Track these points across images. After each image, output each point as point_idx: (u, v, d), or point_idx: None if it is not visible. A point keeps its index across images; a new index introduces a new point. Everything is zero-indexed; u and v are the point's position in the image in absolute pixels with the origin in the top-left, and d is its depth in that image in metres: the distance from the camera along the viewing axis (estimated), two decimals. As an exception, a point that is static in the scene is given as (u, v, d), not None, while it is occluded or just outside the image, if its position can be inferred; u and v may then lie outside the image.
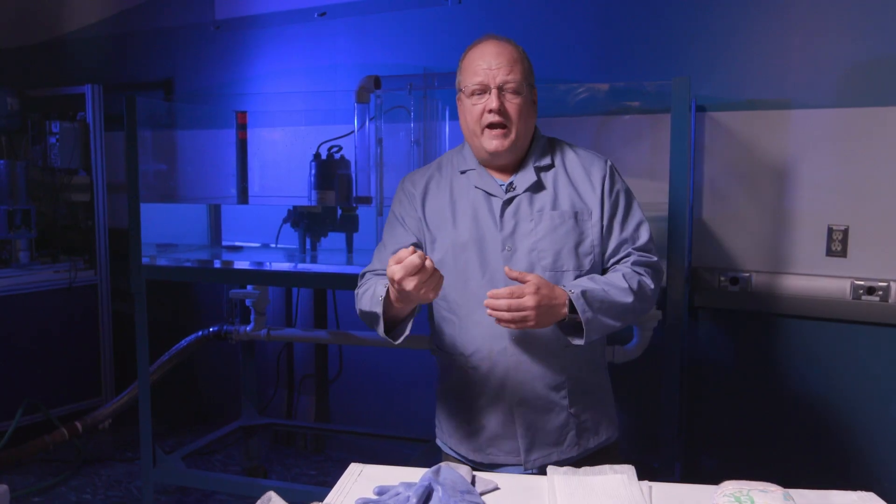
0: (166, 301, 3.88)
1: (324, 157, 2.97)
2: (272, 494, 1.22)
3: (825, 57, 2.58)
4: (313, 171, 2.95)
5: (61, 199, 3.99)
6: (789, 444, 2.73)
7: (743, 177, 2.72)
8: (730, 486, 1.23)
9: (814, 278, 2.63)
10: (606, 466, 1.35)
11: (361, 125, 2.81)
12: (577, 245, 1.63)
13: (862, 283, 2.56)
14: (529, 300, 1.48)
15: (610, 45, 2.90)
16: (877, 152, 2.53)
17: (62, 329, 3.90)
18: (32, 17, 4.39)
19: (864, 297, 2.56)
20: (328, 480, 3.30)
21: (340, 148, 2.98)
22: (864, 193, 2.55)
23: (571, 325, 1.56)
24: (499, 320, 1.50)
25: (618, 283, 1.59)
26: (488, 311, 1.50)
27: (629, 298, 1.58)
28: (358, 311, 1.66)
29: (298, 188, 3.13)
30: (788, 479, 1.23)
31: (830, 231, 2.60)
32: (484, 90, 1.62)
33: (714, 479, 1.31)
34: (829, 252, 2.61)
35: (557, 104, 2.82)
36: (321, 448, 3.73)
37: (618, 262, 1.67)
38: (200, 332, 3.37)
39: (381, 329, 1.56)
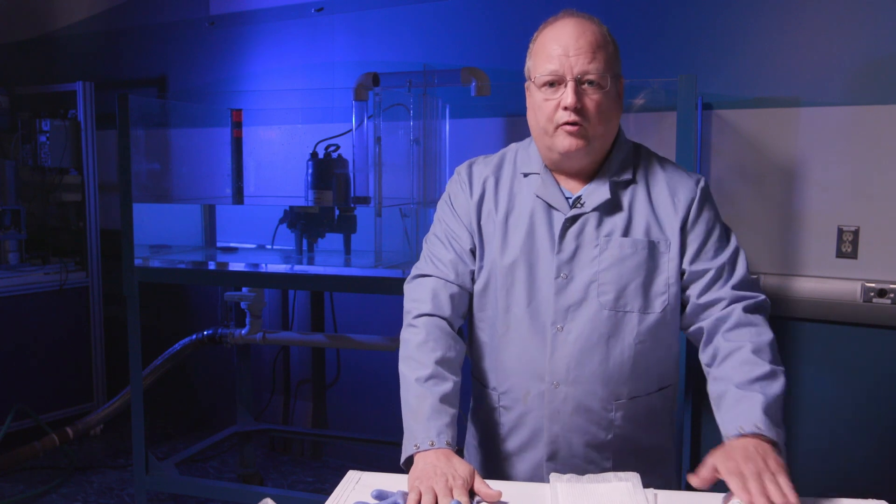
0: (159, 304, 3.84)
1: (321, 156, 2.94)
2: (269, 502, 1.22)
3: (835, 53, 2.53)
4: (310, 171, 2.92)
5: (52, 200, 3.94)
6: (798, 450, 2.68)
7: (750, 176, 2.68)
8: (738, 495, 1.20)
9: (823, 280, 2.59)
10: (611, 474, 1.31)
11: (359, 123, 2.79)
12: (648, 283, 1.38)
13: (873, 285, 2.51)
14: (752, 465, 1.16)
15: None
16: (888, 151, 2.48)
17: (52, 332, 3.85)
18: (22, 12, 4.35)
19: (875, 300, 2.51)
20: (325, 488, 3.27)
21: (338, 147, 2.95)
22: (875, 193, 2.51)
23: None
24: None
25: (760, 373, 1.28)
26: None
27: (781, 379, 1.29)
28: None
29: (295, 188, 3.11)
30: (797, 487, 1.19)
31: (840, 232, 2.56)
32: (558, 81, 1.34)
33: (721, 487, 1.26)
34: (840, 253, 2.57)
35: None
36: (318, 454, 3.70)
37: (712, 305, 1.39)
38: (194, 336, 3.34)
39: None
